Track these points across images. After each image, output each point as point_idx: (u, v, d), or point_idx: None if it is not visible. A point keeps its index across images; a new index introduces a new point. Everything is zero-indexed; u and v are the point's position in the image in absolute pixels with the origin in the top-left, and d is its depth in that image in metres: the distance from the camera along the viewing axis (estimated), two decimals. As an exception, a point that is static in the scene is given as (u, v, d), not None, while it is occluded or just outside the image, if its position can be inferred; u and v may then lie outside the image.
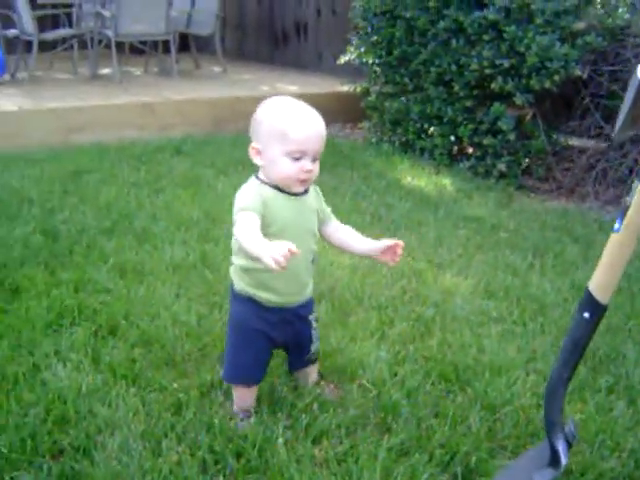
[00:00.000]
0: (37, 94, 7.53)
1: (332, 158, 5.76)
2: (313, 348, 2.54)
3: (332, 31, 9.16)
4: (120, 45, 8.87)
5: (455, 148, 6.04)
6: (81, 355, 2.78)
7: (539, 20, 5.12)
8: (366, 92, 6.73)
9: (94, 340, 2.91)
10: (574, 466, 2.22)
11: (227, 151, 6.02)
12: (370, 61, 6.46)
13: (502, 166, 5.52)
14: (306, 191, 2.36)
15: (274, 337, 2.42)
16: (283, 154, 2.23)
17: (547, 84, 5.14)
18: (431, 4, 5.73)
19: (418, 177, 5.56)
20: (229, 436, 2.29)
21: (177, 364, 2.76)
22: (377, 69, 6.46)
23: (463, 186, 5.34)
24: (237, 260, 2.38)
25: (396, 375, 2.70)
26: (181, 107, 7.27)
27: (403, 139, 6.34)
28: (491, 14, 5.29)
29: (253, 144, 2.31)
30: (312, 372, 2.64)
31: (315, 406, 2.47)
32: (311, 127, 2.26)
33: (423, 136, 6.15)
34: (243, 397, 2.46)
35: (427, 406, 2.51)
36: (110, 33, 8.26)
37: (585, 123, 5.40)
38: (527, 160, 5.67)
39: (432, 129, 6.05)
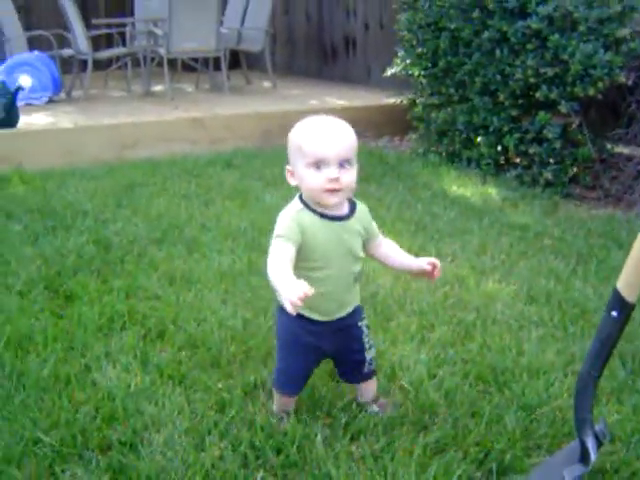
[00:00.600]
0: (92, 111, 7.77)
1: (379, 169, 5.85)
2: (368, 356, 2.49)
3: (380, 45, 9.24)
4: (172, 63, 9.11)
5: (502, 158, 6.05)
6: (130, 357, 2.89)
7: (582, 28, 5.12)
8: (412, 104, 6.79)
9: (143, 343, 3.02)
10: (608, 465, 2.24)
11: (275, 164, 6.11)
12: (416, 73, 6.54)
13: (549, 174, 5.52)
14: (352, 213, 2.35)
15: (323, 347, 2.43)
16: (305, 167, 2.22)
17: (591, 91, 5.14)
18: (475, 15, 5.78)
19: (464, 187, 5.60)
20: (270, 433, 2.37)
21: (222, 366, 2.85)
22: (423, 80, 6.52)
23: (509, 195, 5.35)
24: None
25: (435, 377, 2.75)
26: (231, 122, 7.43)
27: (450, 149, 6.38)
28: (534, 23, 5.31)
29: (287, 166, 2.33)
30: (371, 388, 2.59)
31: (354, 405, 2.54)
32: (326, 134, 2.23)
33: (469, 146, 6.18)
34: (286, 403, 2.51)
35: (464, 406, 2.55)
36: (162, 51, 8.49)
37: (632, 130, 5.38)
38: (574, 168, 5.65)
39: (478, 139, 6.07)
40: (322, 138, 2.23)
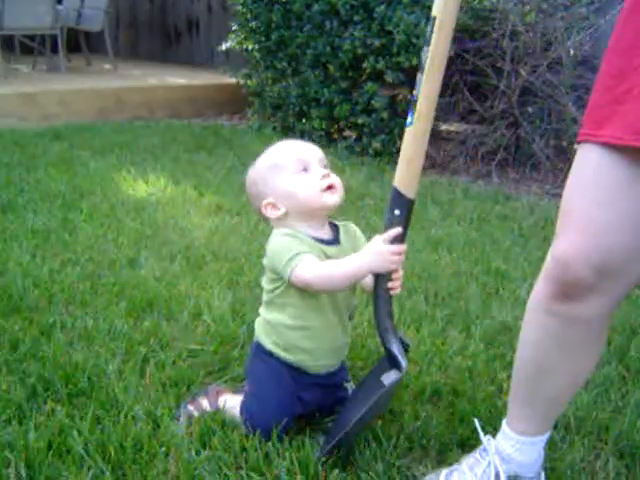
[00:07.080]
0: None
1: (212, 140, 5.82)
2: None
3: (223, 27, 9.19)
4: (9, 44, 8.77)
5: (333, 129, 6.14)
6: None
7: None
8: (248, 79, 6.80)
9: None
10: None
11: (107, 136, 6.02)
12: (250, 47, 6.55)
13: (377, 144, 5.64)
14: (337, 240, 2.03)
15: (304, 397, 2.06)
16: (291, 178, 1.96)
17: (414, 61, 5.29)
18: (306, -13, 5.85)
19: (295, 156, 5.63)
20: (60, 365, 2.31)
21: (22, 311, 2.76)
22: (257, 55, 6.54)
23: (338, 162, 5.43)
24: (266, 313, 2.06)
25: (238, 313, 2.76)
26: (64, 97, 7.20)
27: (284, 123, 6.43)
28: (361, -6, 5.44)
29: (264, 202, 2.01)
30: None
31: (152, 341, 2.52)
32: (294, 144, 2.06)
33: (303, 119, 6.25)
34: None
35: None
36: (-5, 27, 8.16)
37: (454, 99, 5.58)
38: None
39: (311, 112, 6.14)
40: (293, 146, 2.05)
